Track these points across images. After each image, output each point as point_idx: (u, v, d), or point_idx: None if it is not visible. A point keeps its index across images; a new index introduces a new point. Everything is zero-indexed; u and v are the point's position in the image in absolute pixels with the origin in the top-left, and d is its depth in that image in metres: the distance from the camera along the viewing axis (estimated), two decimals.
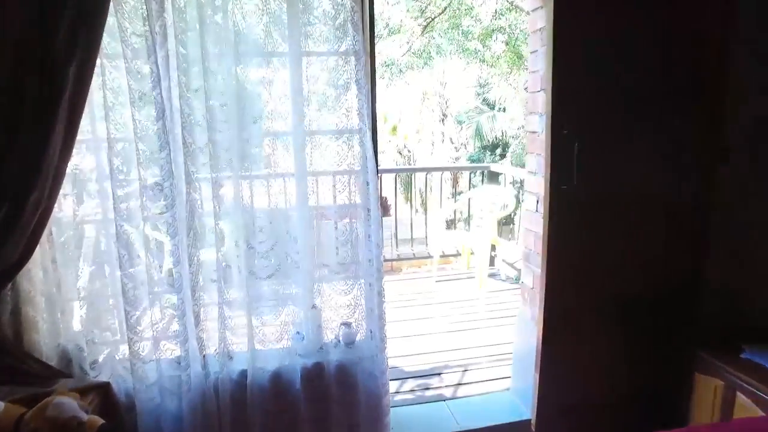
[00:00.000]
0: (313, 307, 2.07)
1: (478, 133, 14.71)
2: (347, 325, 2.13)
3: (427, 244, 5.15)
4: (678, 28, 2.05)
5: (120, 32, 1.68)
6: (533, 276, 2.47)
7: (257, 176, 1.95)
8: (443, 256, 4.96)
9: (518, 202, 4.65)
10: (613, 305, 2.25)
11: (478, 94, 15.43)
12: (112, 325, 1.98)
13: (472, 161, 15.31)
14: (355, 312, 2.07)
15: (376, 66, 2.15)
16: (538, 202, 2.38)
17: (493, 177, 5.70)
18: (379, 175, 2.01)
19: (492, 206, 4.64)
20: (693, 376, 2.13)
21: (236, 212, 1.92)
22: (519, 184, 5.67)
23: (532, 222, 2.44)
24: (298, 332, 2.09)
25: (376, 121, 1.99)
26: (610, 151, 2.12)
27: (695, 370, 2.13)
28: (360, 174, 1.96)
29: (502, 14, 7.75)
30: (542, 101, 2.26)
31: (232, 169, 1.88)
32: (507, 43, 8.05)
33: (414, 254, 5.05)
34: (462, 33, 8.44)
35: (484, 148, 15.30)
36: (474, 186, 6.43)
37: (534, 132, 2.38)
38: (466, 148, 15.87)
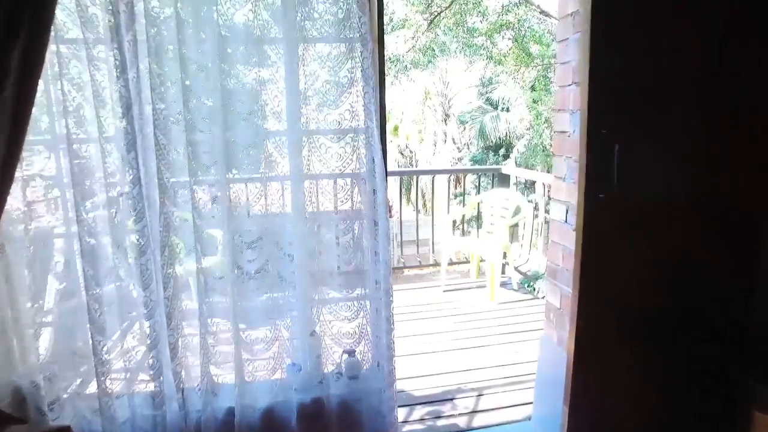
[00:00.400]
0: (312, 333, 1.79)
1: (482, 134, 14.47)
2: (351, 353, 1.85)
3: (433, 251, 4.86)
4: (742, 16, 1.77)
5: (78, 11, 1.40)
6: (560, 295, 2.19)
7: (246, 182, 1.67)
8: (451, 263, 4.67)
9: (531, 206, 4.37)
10: (655, 331, 1.97)
11: (481, 94, 15.20)
12: (76, 356, 1.69)
13: (475, 162, 15.08)
14: (360, 341, 1.79)
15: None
16: (567, 211, 2.10)
17: (503, 179, 5.42)
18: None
19: (503, 211, 4.36)
20: (751, 414, 1.85)
21: (221, 225, 1.64)
22: (524, 186, 5.39)
23: (561, 234, 2.16)
24: (293, 363, 1.80)
25: (385, 118, 1.71)
26: (655, 156, 1.83)
27: (753, 407, 1.84)
28: (366, 180, 1.68)
29: (509, 10, 7.46)
30: (574, 97, 1.98)
31: (215, 176, 1.60)
32: (515, 40, 7.75)
33: (420, 262, 4.77)
34: (467, 30, 8.16)
35: (487, 148, 15.06)
36: (483, 189, 6.15)
37: (563, 132, 2.09)
38: (469, 149, 15.62)
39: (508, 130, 13.76)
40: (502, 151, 14.73)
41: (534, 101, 8.56)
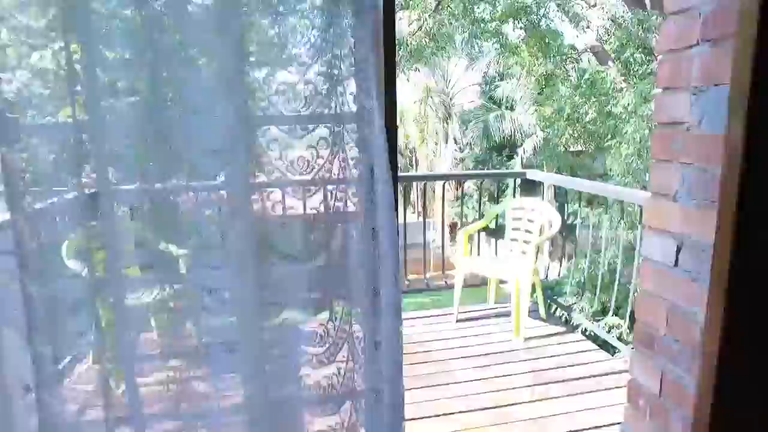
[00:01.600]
0: None
1: (486, 133, 13.77)
2: None
3: (443, 271, 4.10)
4: None
5: None
6: (662, 375, 1.42)
7: (132, 205, 0.89)
8: (465, 285, 3.91)
9: (564, 219, 3.61)
10: None
11: (484, 92, 14.49)
12: None
13: (479, 163, 14.34)
14: None
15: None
16: (680, 250, 1.33)
17: (524, 185, 4.66)
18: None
19: (529, 224, 3.59)
20: None
21: (85, 292, 0.86)
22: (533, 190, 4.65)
23: (664, 283, 1.39)
24: None
25: (395, 95, 0.93)
26: None
27: None
28: (359, 210, 0.90)
29: None
30: (702, 64, 1.22)
31: (63, 195, 0.82)
32: (533, 27, 6.90)
33: (428, 284, 4.00)
34: (474, 21, 7.35)
35: (491, 148, 14.31)
36: (491, 194, 5.38)
37: (677, 123, 1.32)
38: (471, 149, 14.88)
39: (513, 129, 13.10)
40: (506, 152, 14.01)
41: (547, 98, 7.78)
